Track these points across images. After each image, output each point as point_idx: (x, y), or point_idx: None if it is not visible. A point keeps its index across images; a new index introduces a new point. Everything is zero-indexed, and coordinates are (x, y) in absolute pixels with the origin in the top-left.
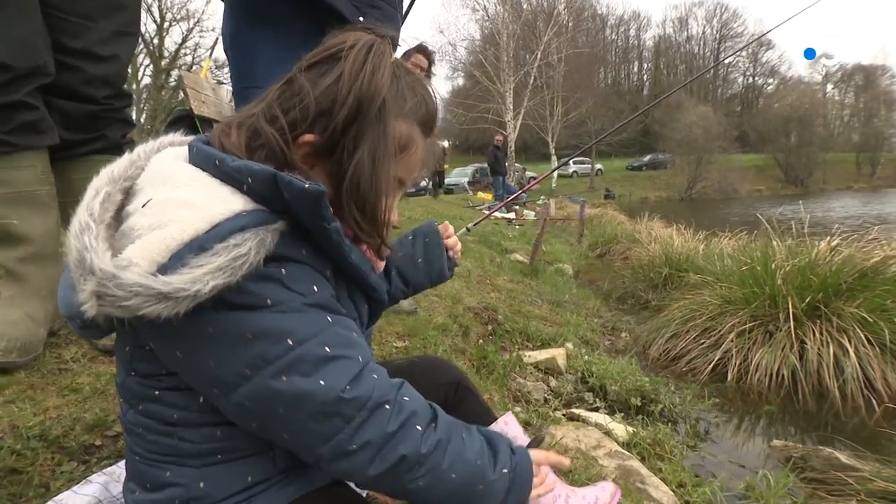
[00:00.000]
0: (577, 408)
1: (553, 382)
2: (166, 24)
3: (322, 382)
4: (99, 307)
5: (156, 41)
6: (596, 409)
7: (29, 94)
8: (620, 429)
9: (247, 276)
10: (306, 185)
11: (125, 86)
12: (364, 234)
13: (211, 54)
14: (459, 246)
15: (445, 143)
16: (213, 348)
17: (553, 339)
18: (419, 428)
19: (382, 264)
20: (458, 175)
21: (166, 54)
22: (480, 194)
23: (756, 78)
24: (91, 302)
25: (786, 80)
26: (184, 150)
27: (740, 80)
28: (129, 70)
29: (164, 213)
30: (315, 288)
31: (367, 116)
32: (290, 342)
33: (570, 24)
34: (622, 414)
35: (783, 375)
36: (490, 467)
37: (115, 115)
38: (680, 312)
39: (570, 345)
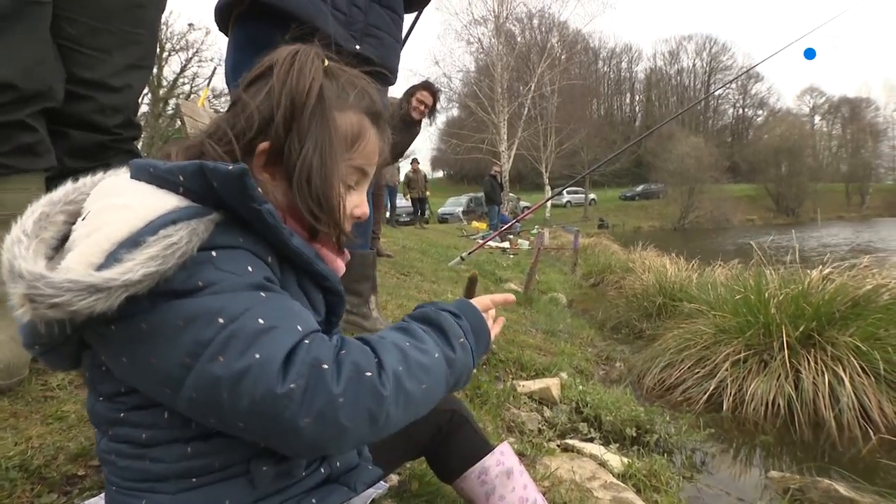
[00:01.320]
0: (571, 438)
1: (547, 412)
2: (165, 54)
3: (258, 356)
4: (33, 311)
5: (155, 70)
6: (591, 440)
7: (30, 115)
8: (616, 460)
9: (178, 265)
10: (230, 167)
11: (135, 117)
12: (322, 225)
13: (209, 84)
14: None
15: (419, 166)
16: (152, 344)
17: (547, 368)
18: (369, 374)
19: (342, 263)
20: (453, 204)
21: (164, 83)
22: (475, 223)
23: (746, 109)
24: (25, 307)
25: (774, 111)
26: (124, 170)
27: (730, 111)
28: None
29: (99, 218)
30: (249, 268)
31: (303, 113)
32: (222, 321)
33: (563, 56)
34: (617, 444)
35: (779, 405)
36: (448, 347)
37: (123, 145)
38: (674, 342)
39: (564, 374)
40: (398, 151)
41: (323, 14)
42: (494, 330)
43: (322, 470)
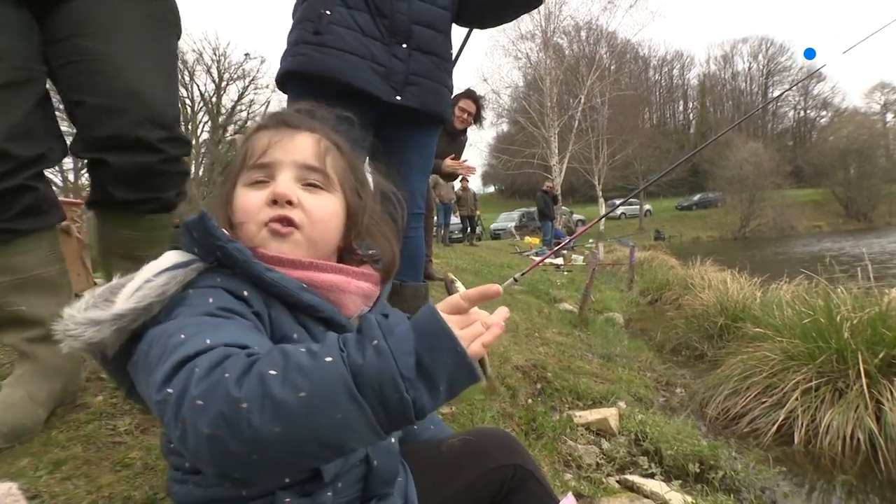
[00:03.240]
0: (630, 473)
1: (605, 445)
2: (224, 83)
3: (163, 366)
4: (68, 343)
5: (214, 99)
6: (651, 476)
7: (29, 178)
8: (678, 499)
9: (161, 303)
10: (195, 216)
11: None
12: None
13: (265, 111)
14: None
15: (468, 184)
16: (140, 372)
17: (605, 397)
18: (227, 375)
19: (363, 290)
20: (505, 220)
21: (223, 111)
22: (528, 239)
23: (808, 111)
24: (65, 341)
25: (840, 111)
26: None
27: (791, 114)
28: (189, 127)
29: (138, 276)
30: (210, 300)
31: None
32: (164, 340)
33: (612, 67)
34: (679, 481)
35: (858, 439)
36: (358, 351)
37: (173, 166)
38: (738, 368)
39: (622, 403)
40: (441, 158)
41: (362, 72)
42: (491, 333)
43: None
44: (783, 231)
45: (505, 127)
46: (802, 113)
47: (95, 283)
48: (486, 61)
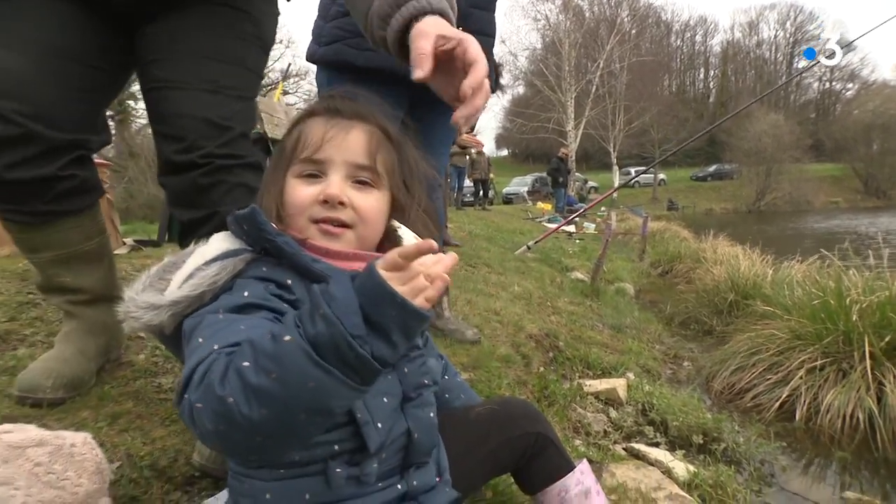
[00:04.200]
0: (637, 442)
1: (613, 414)
2: None
3: (185, 370)
4: (129, 324)
5: None
6: (656, 444)
7: (62, 166)
8: (681, 467)
9: (213, 291)
10: (245, 210)
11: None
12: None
13: (283, 78)
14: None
15: (483, 148)
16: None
17: (614, 367)
18: (213, 377)
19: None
20: (518, 184)
21: None
22: (540, 204)
23: (833, 83)
24: (127, 322)
25: (868, 84)
26: None
27: (815, 85)
28: None
29: (190, 260)
30: (246, 293)
31: None
32: (192, 339)
33: (633, 31)
34: (683, 451)
35: (858, 419)
36: (310, 323)
37: (230, 176)
38: (746, 344)
39: (631, 374)
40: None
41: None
42: (434, 287)
43: (399, 486)
44: (799, 206)
45: (521, 90)
46: (828, 84)
47: (124, 243)
48: (504, 22)
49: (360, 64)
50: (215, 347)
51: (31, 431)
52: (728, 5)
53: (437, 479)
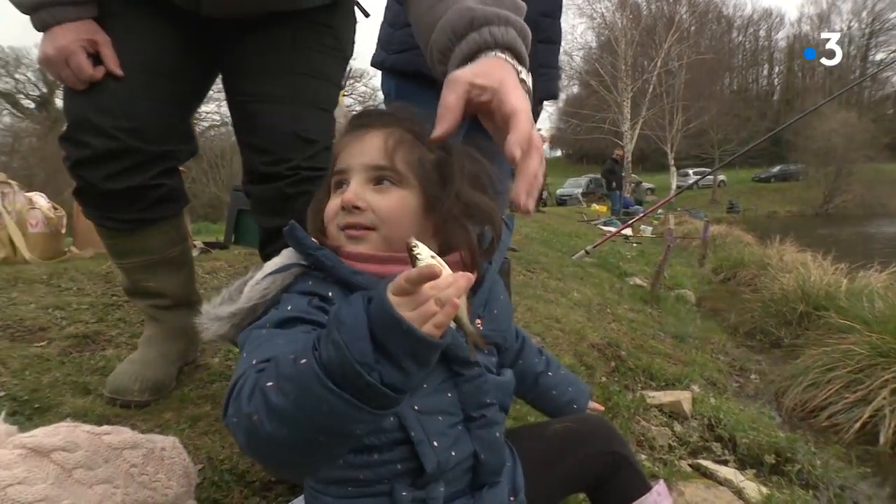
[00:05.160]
0: (703, 458)
1: (678, 427)
2: None
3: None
4: (205, 334)
5: None
6: (724, 462)
7: (153, 176)
8: (753, 488)
9: (265, 304)
10: (286, 227)
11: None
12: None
13: (343, 84)
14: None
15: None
16: None
17: (678, 379)
18: (243, 395)
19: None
20: (572, 185)
21: None
22: (595, 206)
23: None
24: (203, 332)
25: None
26: None
27: (894, 79)
28: None
29: (259, 272)
30: (289, 307)
31: None
32: (242, 352)
33: (692, 28)
34: (753, 471)
35: None
36: (325, 346)
37: (314, 187)
38: (820, 360)
39: (696, 387)
40: None
41: None
42: (444, 313)
43: None
44: (872, 209)
45: (575, 90)
46: None
47: (195, 245)
48: None
49: (435, 75)
50: (254, 362)
51: (126, 434)
52: None
53: (512, 499)
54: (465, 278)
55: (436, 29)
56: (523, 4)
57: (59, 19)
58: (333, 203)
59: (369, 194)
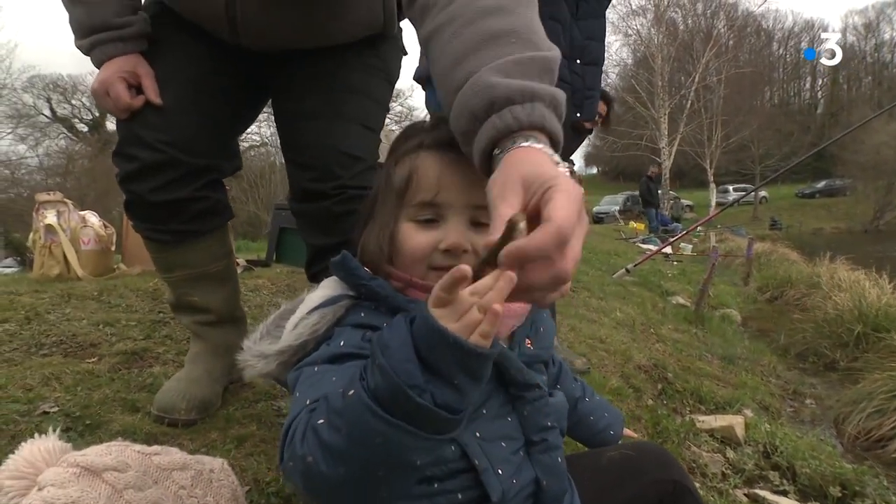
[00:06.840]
0: (760, 488)
1: (731, 454)
2: None
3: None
4: (247, 372)
5: None
6: (784, 493)
7: (197, 188)
8: None
9: (316, 340)
10: (338, 257)
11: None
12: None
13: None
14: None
15: (574, 168)
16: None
17: (728, 402)
18: (296, 438)
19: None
20: (609, 203)
21: None
22: (632, 224)
23: None
24: (245, 370)
25: None
26: None
27: None
28: None
29: (302, 306)
30: (342, 343)
31: None
32: (295, 392)
33: (730, 42)
34: (817, 503)
35: None
36: (373, 375)
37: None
38: (885, 385)
39: (748, 411)
40: (564, 158)
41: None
42: (488, 321)
43: None
44: None
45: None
46: None
47: (238, 263)
48: None
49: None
50: (307, 403)
51: (175, 454)
52: (838, 8)
53: None
54: (507, 280)
55: (454, 105)
56: (556, 53)
57: (109, 55)
58: (427, 241)
59: (472, 236)
